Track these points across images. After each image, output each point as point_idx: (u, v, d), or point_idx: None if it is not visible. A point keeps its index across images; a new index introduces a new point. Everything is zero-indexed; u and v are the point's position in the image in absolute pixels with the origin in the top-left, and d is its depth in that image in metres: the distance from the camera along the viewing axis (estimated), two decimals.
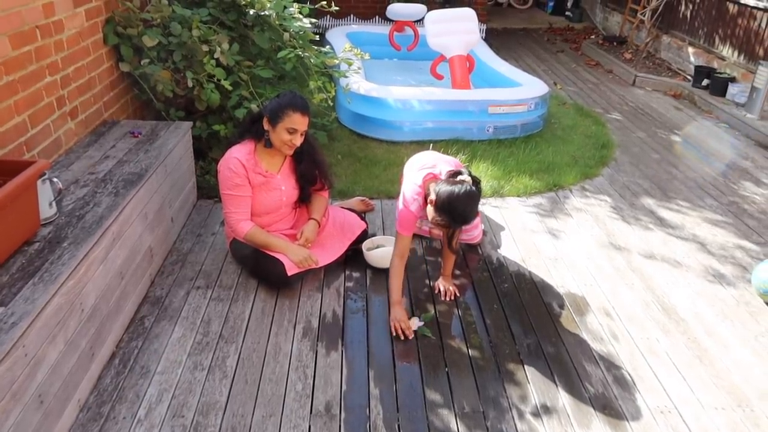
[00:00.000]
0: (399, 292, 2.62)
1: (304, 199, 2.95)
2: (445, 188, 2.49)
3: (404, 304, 2.67)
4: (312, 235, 2.85)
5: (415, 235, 3.25)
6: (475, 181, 2.53)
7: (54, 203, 2.25)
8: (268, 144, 2.71)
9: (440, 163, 2.78)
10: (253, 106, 3.48)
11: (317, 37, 4.05)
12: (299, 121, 2.64)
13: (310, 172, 2.89)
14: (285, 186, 2.85)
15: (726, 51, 6.38)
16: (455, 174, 2.56)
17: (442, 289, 2.82)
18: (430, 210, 2.56)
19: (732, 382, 2.36)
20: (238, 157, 2.70)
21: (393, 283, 2.63)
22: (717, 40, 6.54)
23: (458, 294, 2.82)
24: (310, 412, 2.12)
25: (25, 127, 2.53)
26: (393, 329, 2.52)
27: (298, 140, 2.68)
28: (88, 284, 2.12)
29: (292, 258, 2.73)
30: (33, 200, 2.07)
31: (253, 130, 2.76)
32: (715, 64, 6.39)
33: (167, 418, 2.07)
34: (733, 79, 5.96)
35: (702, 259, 3.23)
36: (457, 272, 3.01)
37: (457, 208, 2.47)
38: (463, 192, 2.46)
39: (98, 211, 2.33)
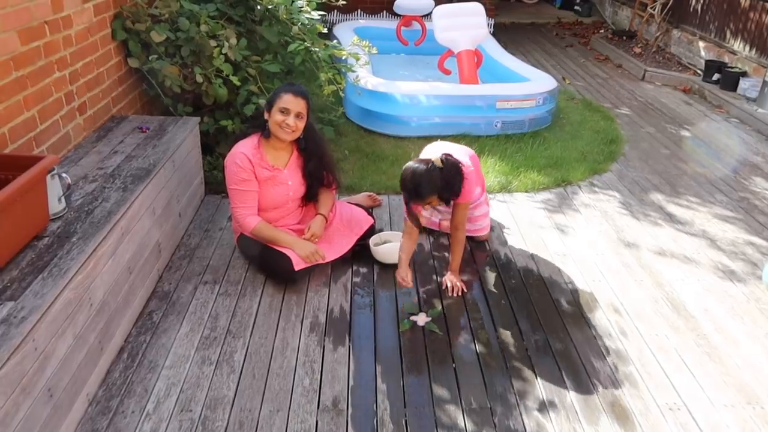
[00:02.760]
0: (406, 263, 2.78)
1: (311, 197, 2.96)
2: (408, 164, 2.72)
3: (411, 295, 2.69)
4: (319, 231, 2.85)
5: (423, 230, 3.27)
6: (448, 163, 2.67)
7: (63, 198, 2.26)
8: (267, 133, 2.73)
9: (455, 152, 2.81)
10: (262, 102, 3.48)
11: (325, 30, 4.04)
12: (290, 101, 2.67)
13: (318, 170, 2.90)
14: (292, 181, 2.85)
15: (737, 45, 6.31)
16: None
17: (449, 284, 2.81)
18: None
19: (742, 379, 2.34)
20: (243, 152, 2.71)
21: (401, 256, 2.80)
22: (728, 34, 6.47)
23: (465, 290, 2.81)
24: (318, 407, 2.13)
25: (34, 123, 2.54)
26: (398, 283, 2.74)
27: (292, 121, 2.69)
28: (97, 279, 2.13)
29: (299, 253, 2.73)
30: (42, 195, 2.08)
31: (257, 123, 2.80)
32: (726, 59, 6.33)
33: (175, 412, 2.08)
34: (744, 74, 5.90)
35: (712, 255, 3.20)
36: (465, 268, 3.00)
37: (406, 180, 2.65)
38: (419, 169, 2.64)
39: (107, 206, 2.33)
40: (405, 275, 2.74)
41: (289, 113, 2.68)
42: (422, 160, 2.69)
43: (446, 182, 2.66)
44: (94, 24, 3.07)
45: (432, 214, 3.25)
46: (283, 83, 3.79)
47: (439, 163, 2.65)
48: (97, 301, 2.13)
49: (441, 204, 2.83)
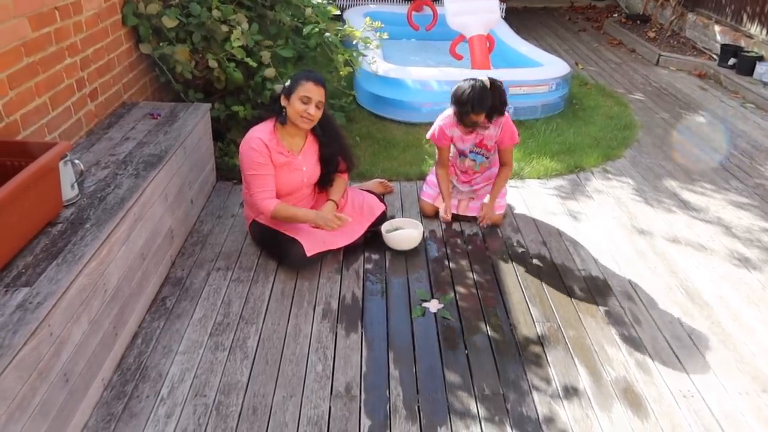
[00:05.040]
0: (448, 193, 3.21)
1: (325, 183, 2.95)
2: (460, 83, 3.00)
3: (423, 281, 2.66)
4: (329, 223, 2.83)
5: (435, 217, 3.28)
6: (494, 83, 3.00)
7: (76, 185, 2.26)
8: (283, 119, 2.70)
9: None
10: (277, 88, 3.47)
11: (339, 12, 4.01)
12: (312, 90, 2.64)
13: (334, 156, 2.89)
14: (306, 167, 2.84)
15: (754, 29, 6.20)
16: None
17: (483, 215, 3.15)
18: (450, 112, 3.09)
19: (756, 366, 2.32)
20: (260, 137, 2.69)
21: (442, 188, 3.22)
22: (745, 17, 6.36)
23: (492, 223, 3.17)
24: (330, 393, 2.13)
25: (46, 109, 2.54)
26: (442, 217, 3.19)
27: (313, 110, 2.67)
28: (111, 265, 2.14)
29: (320, 222, 2.71)
30: (55, 182, 2.09)
31: (273, 108, 2.77)
32: (743, 43, 6.22)
33: (189, 397, 2.09)
34: (761, 58, 5.80)
35: (727, 242, 3.17)
36: (477, 254, 2.99)
37: (463, 94, 2.93)
38: (474, 84, 2.94)
39: (119, 193, 2.34)
40: (449, 208, 3.17)
41: (310, 102, 2.65)
42: (474, 79, 2.98)
43: (494, 101, 2.98)
44: (104, 9, 3.06)
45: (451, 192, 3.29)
46: (295, 68, 3.79)
47: (488, 83, 2.96)
48: (111, 287, 2.14)
49: (484, 141, 3.15)
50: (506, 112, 3.09)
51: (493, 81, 2.99)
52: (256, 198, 2.71)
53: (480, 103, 2.91)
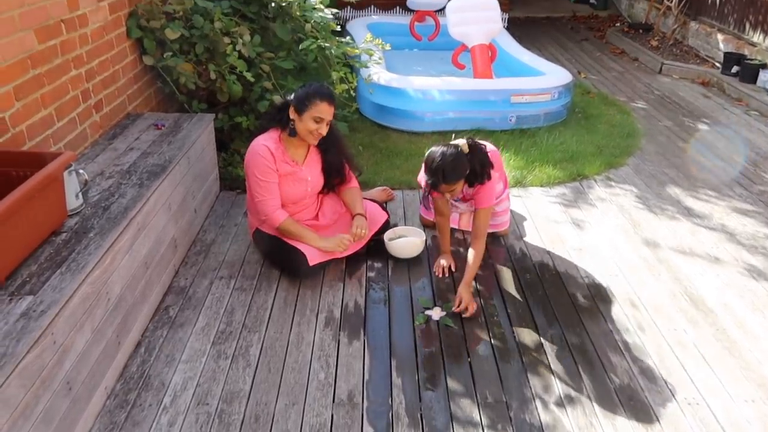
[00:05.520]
0: (447, 245, 2.94)
1: (328, 189, 2.97)
2: (432, 148, 2.66)
3: (426, 289, 2.66)
4: (364, 231, 2.85)
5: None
6: (474, 147, 2.65)
7: (80, 194, 2.28)
8: (293, 133, 2.71)
9: None
10: (276, 98, 3.49)
11: (339, 28, 4.04)
12: (326, 110, 2.65)
13: (337, 163, 2.90)
14: (311, 176, 2.85)
15: (757, 37, 6.20)
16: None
17: (462, 301, 2.57)
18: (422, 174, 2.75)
19: (762, 374, 2.30)
20: (266, 145, 2.71)
21: (440, 239, 2.96)
22: (747, 26, 6.36)
23: (472, 312, 2.55)
24: (333, 401, 2.13)
25: (51, 120, 2.57)
26: (435, 270, 2.88)
27: (324, 130, 2.69)
28: (114, 274, 2.15)
29: (326, 247, 2.75)
30: (60, 191, 2.11)
31: (279, 118, 2.76)
32: (746, 51, 6.22)
33: (192, 406, 2.09)
34: (764, 66, 5.80)
35: (731, 249, 3.16)
36: (480, 263, 2.98)
37: (433, 163, 2.59)
38: (447, 152, 2.58)
39: (123, 202, 2.36)
40: (445, 263, 2.87)
41: (323, 122, 2.66)
42: (448, 144, 2.63)
43: (473, 167, 2.64)
44: (110, 22, 3.09)
45: (450, 211, 3.22)
46: (296, 80, 3.82)
47: (465, 148, 2.62)
48: (114, 296, 2.15)
49: (463, 194, 2.86)
50: (492, 177, 2.72)
51: (472, 144, 2.66)
52: (264, 206, 2.71)
53: (452, 172, 2.56)
